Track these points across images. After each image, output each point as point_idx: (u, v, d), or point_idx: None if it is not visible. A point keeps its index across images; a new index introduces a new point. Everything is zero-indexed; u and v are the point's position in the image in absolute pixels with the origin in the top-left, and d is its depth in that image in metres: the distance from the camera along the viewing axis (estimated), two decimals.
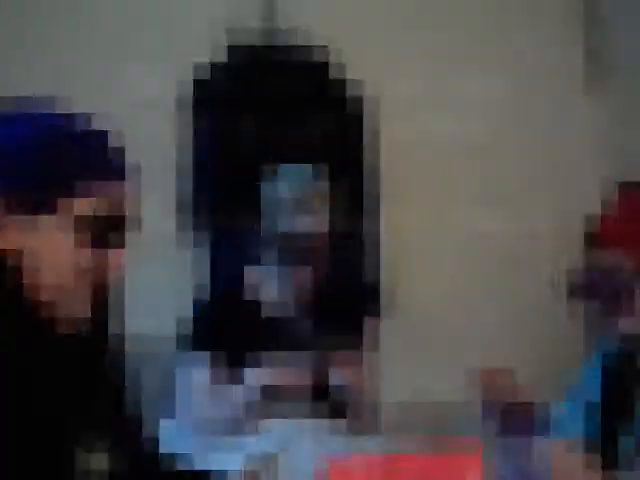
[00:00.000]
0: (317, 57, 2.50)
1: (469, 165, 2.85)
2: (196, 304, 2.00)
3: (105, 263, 0.99)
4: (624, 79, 2.86)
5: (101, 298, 1.04)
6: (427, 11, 2.81)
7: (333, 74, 2.52)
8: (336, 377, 1.78)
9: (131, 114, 2.46)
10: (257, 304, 1.98)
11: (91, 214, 0.95)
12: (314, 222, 1.85)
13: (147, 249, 2.47)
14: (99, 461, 0.98)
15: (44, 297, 0.93)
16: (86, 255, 0.96)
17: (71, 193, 0.94)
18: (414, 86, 2.79)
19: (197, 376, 1.89)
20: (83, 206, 0.95)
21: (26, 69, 2.34)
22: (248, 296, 1.99)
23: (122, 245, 1.03)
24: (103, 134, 1.01)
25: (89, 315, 0.99)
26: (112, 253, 1.00)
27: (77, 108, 2.41)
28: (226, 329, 1.92)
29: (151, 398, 2.26)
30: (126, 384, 1.10)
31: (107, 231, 0.99)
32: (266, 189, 1.90)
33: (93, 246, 0.96)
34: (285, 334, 1.95)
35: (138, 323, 2.38)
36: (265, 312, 1.97)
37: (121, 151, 1.04)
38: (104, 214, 0.97)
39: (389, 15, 2.77)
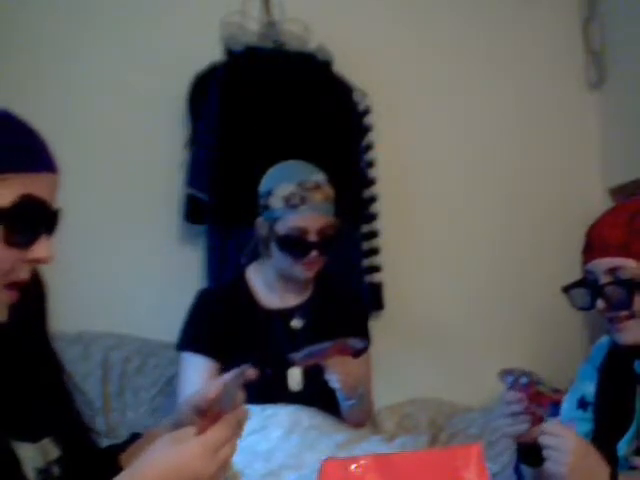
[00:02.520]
0: (316, 56, 2.49)
1: (470, 165, 2.85)
2: (197, 303, 1.99)
3: (29, 261, 0.91)
4: (624, 79, 2.86)
5: (25, 297, 0.95)
6: (426, 9, 2.82)
7: (332, 72, 2.52)
8: (335, 375, 1.77)
9: (132, 114, 2.47)
10: (258, 303, 1.97)
11: (16, 207, 0.88)
12: (315, 219, 1.84)
13: (150, 250, 2.48)
14: (46, 451, 0.98)
15: None
16: (5, 253, 0.88)
17: None
18: (414, 86, 2.79)
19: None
20: (4, 198, 0.87)
21: (25, 70, 2.34)
22: (248, 296, 1.97)
23: (49, 243, 0.92)
24: (29, 126, 0.94)
25: (4, 320, 0.93)
26: (37, 250, 0.91)
27: (76, 109, 2.42)
28: (226, 328, 1.91)
29: (151, 398, 2.27)
30: (60, 375, 1.06)
31: (32, 227, 0.90)
32: (266, 186, 1.89)
33: (15, 244, 0.89)
34: (287, 334, 1.94)
35: (140, 324, 2.39)
36: (266, 311, 1.96)
37: (47, 143, 0.95)
38: (30, 209, 0.89)
39: (388, 13, 2.77)
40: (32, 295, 0.99)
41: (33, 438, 0.96)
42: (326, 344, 1.72)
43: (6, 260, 0.89)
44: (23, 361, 1.00)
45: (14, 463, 0.92)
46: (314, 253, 1.85)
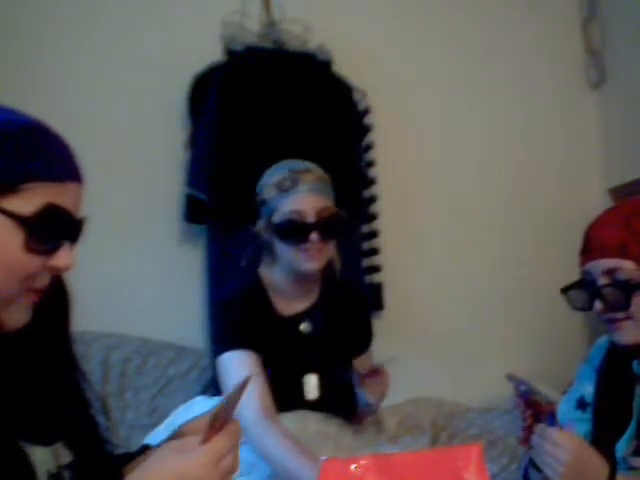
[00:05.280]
0: (316, 56, 2.49)
1: (470, 165, 2.85)
2: (227, 308, 1.94)
3: (50, 269, 0.92)
4: (624, 79, 2.86)
5: (45, 302, 0.96)
6: (427, 9, 2.82)
7: (332, 72, 2.52)
8: (372, 395, 1.78)
9: (132, 114, 2.47)
10: (274, 310, 1.92)
11: (38, 216, 0.88)
12: (311, 199, 1.81)
13: (150, 250, 2.48)
14: (59, 455, 0.98)
15: None
16: (26, 260, 0.89)
17: (16, 191, 0.87)
18: (414, 86, 2.79)
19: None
20: (26, 206, 0.88)
21: (26, 70, 2.34)
22: (267, 301, 1.91)
23: (70, 251, 0.94)
24: (55, 134, 0.95)
25: (27, 321, 0.94)
26: (58, 258, 0.92)
27: (76, 109, 2.42)
28: (255, 330, 1.87)
29: (151, 398, 2.27)
30: (78, 381, 1.07)
31: (54, 236, 0.92)
32: (260, 185, 1.87)
33: (36, 251, 0.89)
34: (299, 339, 1.91)
35: (140, 324, 2.39)
36: (281, 318, 1.91)
37: (74, 153, 0.96)
38: (52, 218, 0.90)
39: (388, 13, 2.77)
40: (56, 300, 0.99)
41: (46, 441, 0.96)
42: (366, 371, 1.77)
43: (27, 266, 0.90)
44: (43, 364, 1.00)
45: (27, 466, 0.92)
46: (314, 235, 1.77)
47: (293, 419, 1.78)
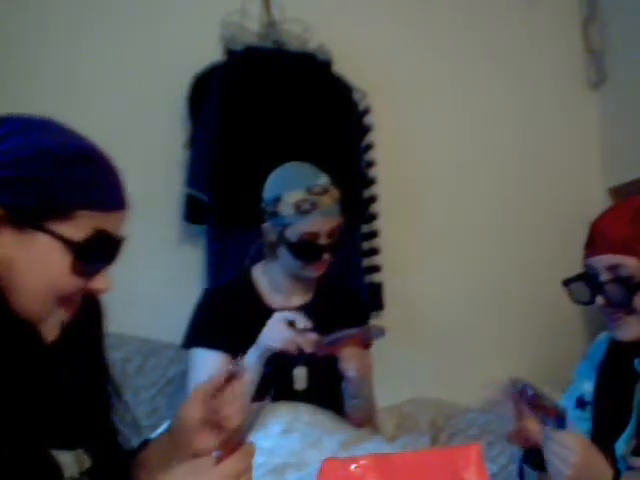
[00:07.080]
0: (316, 56, 2.50)
1: (470, 165, 2.85)
2: (205, 300, 1.98)
3: (88, 290, 0.96)
4: (624, 79, 2.86)
5: (79, 311, 1.00)
6: (426, 9, 2.82)
7: (332, 72, 2.52)
8: (352, 364, 1.78)
9: (132, 114, 2.47)
10: (263, 302, 1.96)
11: (87, 242, 0.93)
12: (325, 222, 1.85)
13: (150, 250, 2.48)
14: (81, 460, 0.99)
15: (20, 313, 0.90)
16: (69, 281, 0.93)
17: (67, 217, 0.91)
18: (414, 86, 2.79)
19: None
20: (76, 232, 0.92)
21: (25, 71, 2.34)
22: (254, 295, 1.96)
23: (108, 274, 0.99)
24: (108, 161, 0.99)
25: (55, 337, 0.96)
26: (98, 281, 0.97)
27: (76, 109, 2.42)
28: (235, 324, 1.90)
29: (151, 398, 2.27)
30: (106, 387, 1.08)
31: (99, 260, 0.97)
32: (273, 193, 1.88)
33: (81, 274, 0.93)
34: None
35: (140, 324, 2.39)
36: (271, 310, 1.94)
37: (123, 180, 1.01)
38: (100, 243, 0.95)
39: (388, 13, 2.77)
40: (89, 309, 1.02)
41: (69, 446, 0.97)
42: (352, 330, 1.74)
43: (70, 288, 0.93)
44: (75, 371, 1.02)
45: (57, 471, 0.93)
46: (326, 255, 1.88)
47: (286, 408, 1.80)
